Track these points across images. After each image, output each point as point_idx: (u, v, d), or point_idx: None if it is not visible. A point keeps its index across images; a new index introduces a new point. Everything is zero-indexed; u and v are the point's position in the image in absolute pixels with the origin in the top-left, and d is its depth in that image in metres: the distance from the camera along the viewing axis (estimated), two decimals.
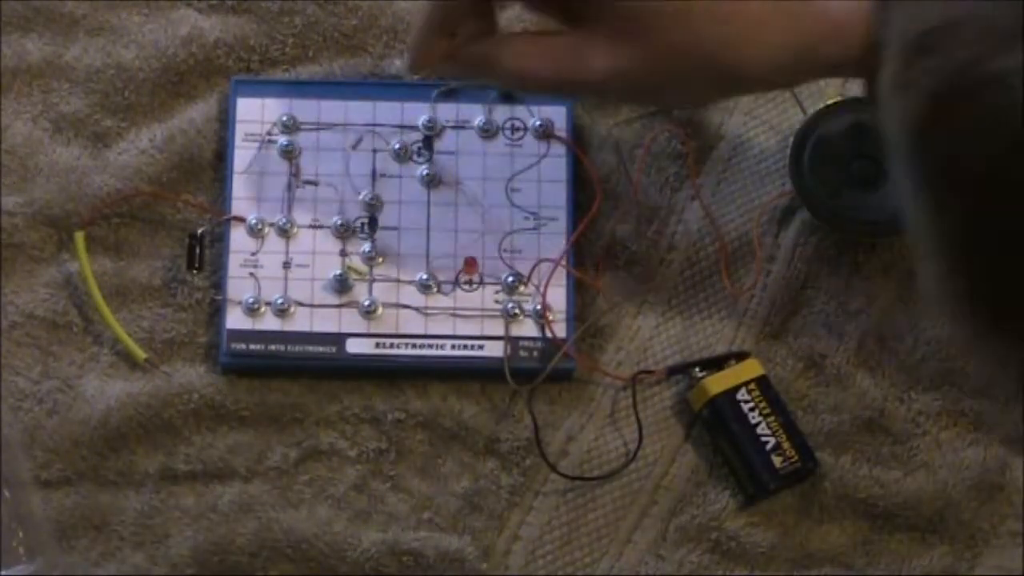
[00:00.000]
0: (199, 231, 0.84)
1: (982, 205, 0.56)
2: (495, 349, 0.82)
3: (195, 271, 0.83)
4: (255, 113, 0.85)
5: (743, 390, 0.82)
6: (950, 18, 0.58)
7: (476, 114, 0.86)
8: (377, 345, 0.82)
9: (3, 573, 0.77)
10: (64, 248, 0.84)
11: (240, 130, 0.85)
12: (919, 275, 0.59)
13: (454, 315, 0.83)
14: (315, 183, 0.84)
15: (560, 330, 0.82)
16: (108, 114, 0.86)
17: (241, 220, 0.83)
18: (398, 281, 0.83)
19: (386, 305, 0.83)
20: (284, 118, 0.85)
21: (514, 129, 0.86)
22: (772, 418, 0.81)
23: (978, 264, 0.58)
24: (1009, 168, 0.55)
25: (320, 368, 0.82)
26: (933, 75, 0.58)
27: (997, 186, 0.55)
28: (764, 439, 0.81)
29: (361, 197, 0.84)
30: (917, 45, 0.59)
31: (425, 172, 0.85)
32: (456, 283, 0.83)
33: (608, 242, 0.85)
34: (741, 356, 0.83)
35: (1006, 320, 0.58)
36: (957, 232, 0.57)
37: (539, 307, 0.83)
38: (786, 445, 0.81)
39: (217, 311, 0.83)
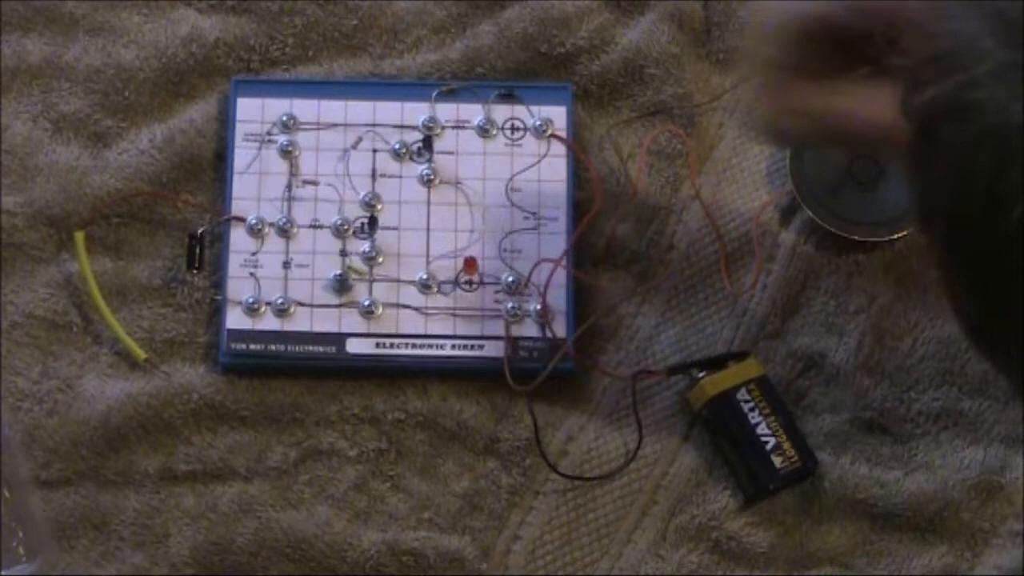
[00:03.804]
0: (199, 231, 0.84)
1: (954, 236, 0.58)
2: (495, 349, 0.82)
3: (195, 271, 0.83)
4: (255, 113, 0.85)
5: (743, 390, 0.82)
6: (941, 48, 0.58)
7: (476, 114, 0.86)
8: (377, 345, 0.82)
9: (3, 573, 0.77)
10: (64, 248, 0.84)
11: (240, 130, 0.85)
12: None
13: (454, 315, 0.83)
14: (315, 183, 0.84)
15: (560, 330, 0.82)
16: (108, 114, 0.86)
17: (241, 220, 0.83)
18: (398, 281, 0.83)
19: (386, 305, 0.83)
20: (284, 118, 0.85)
21: (514, 129, 0.86)
22: (772, 418, 0.81)
23: (960, 290, 0.59)
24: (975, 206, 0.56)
25: (320, 368, 0.82)
26: (924, 106, 0.58)
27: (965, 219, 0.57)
28: (764, 439, 0.81)
29: (361, 197, 0.84)
30: (917, 72, 0.59)
31: (425, 172, 0.85)
32: (456, 283, 0.83)
33: (608, 242, 0.85)
34: (741, 356, 0.83)
35: (983, 334, 0.59)
36: (943, 250, 0.59)
37: (539, 307, 0.83)
38: (786, 445, 0.81)
39: (217, 311, 0.83)
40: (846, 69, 0.72)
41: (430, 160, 0.85)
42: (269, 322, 0.82)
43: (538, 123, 0.86)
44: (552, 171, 0.85)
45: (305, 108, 0.85)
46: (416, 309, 0.83)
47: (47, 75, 0.86)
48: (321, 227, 0.84)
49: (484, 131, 0.85)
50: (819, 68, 0.72)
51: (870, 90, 0.70)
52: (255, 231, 0.83)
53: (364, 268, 0.83)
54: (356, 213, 0.84)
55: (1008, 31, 0.57)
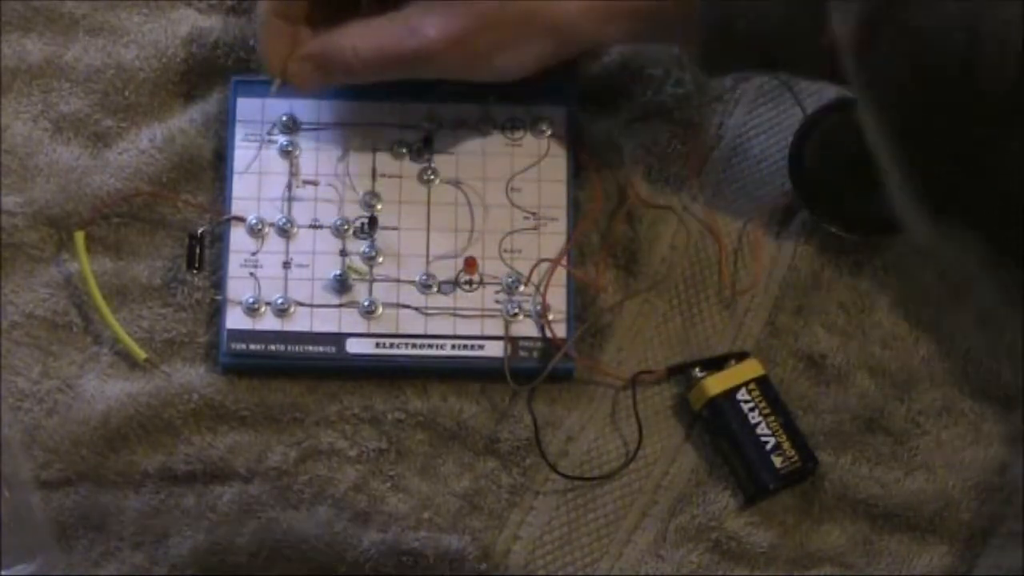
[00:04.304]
0: (199, 231, 0.84)
1: (910, 121, 0.62)
2: (495, 349, 0.82)
3: (195, 271, 0.83)
4: (255, 113, 0.85)
5: (743, 390, 0.82)
6: None
7: (476, 113, 0.86)
8: (377, 345, 0.82)
9: (3, 573, 0.77)
10: (64, 248, 0.84)
11: (240, 130, 0.85)
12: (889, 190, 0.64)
13: (454, 315, 0.83)
14: (315, 183, 0.84)
15: (560, 330, 0.82)
16: (108, 114, 0.86)
17: (241, 220, 0.83)
18: (398, 281, 0.83)
19: (386, 305, 0.83)
20: (284, 118, 0.85)
21: (514, 129, 0.86)
22: (772, 418, 0.81)
23: (916, 172, 0.63)
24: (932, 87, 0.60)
25: (320, 368, 0.82)
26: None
27: (921, 105, 0.61)
28: (764, 439, 0.81)
29: (361, 197, 0.84)
30: None
31: (425, 172, 0.85)
32: (456, 283, 0.83)
33: (608, 242, 0.85)
34: (741, 356, 0.83)
35: (944, 213, 0.62)
36: (897, 144, 0.63)
37: (539, 307, 0.83)
38: (786, 445, 0.81)
39: (217, 311, 0.83)
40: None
41: (430, 160, 0.85)
42: (269, 322, 0.82)
43: (538, 123, 0.86)
44: (552, 171, 0.85)
45: (305, 108, 0.85)
46: (416, 309, 0.83)
47: (47, 75, 0.86)
48: (321, 227, 0.84)
49: (484, 131, 0.85)
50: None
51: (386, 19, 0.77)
52: (255, 231, 0.83)
53: (364, 268, 0.83)
54: (356, 213, 0.84)
55: None
